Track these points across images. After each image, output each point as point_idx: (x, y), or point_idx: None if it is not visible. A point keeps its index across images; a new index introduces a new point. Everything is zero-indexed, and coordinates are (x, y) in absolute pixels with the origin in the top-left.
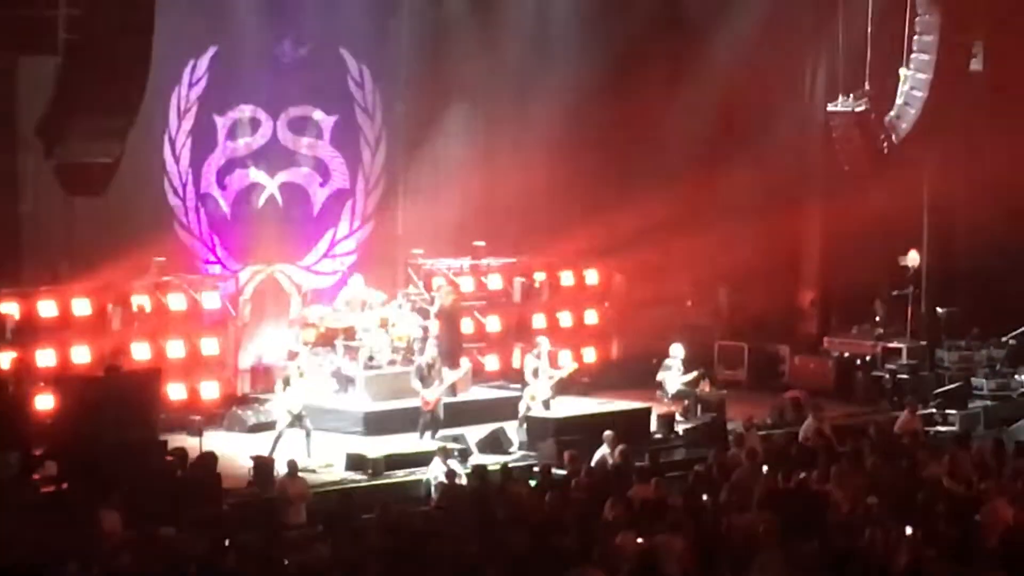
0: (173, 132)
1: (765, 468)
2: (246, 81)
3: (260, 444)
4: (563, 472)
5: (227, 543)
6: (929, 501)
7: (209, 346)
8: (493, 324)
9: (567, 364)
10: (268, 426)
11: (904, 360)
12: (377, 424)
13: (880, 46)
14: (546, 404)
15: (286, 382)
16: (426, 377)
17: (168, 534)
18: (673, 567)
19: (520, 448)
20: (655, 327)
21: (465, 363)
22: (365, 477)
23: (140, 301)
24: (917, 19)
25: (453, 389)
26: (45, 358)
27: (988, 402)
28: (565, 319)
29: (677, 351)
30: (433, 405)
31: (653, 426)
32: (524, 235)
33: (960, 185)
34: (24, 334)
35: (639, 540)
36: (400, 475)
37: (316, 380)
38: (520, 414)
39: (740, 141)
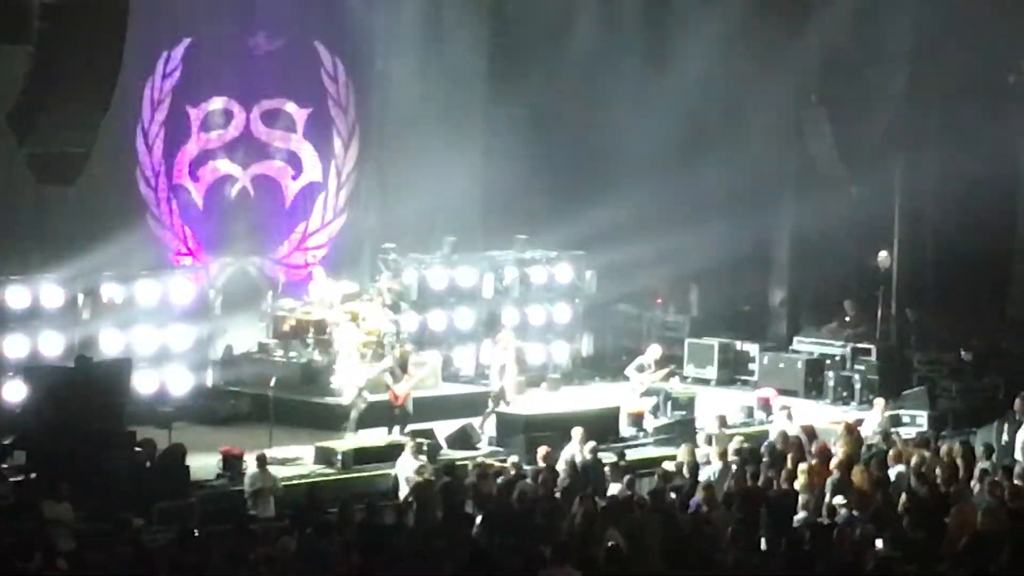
0: (146, 123)
1: (734, 467)
2: (220, 73)
3: (229, 436)
4: (532, 468)
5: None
6: (897, 503)
7: (179, 338)
8: (463, 319)
9: (538, 360)
10: (236, 418)
11: (873, 360)
12: (347, 418)
13: (854, 46)
14: (516, 400)
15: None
16: (396, 371)
17: (136, 525)
18: (641, 565)
19: (489, 444)
20: (625, 324)
21: (434, 356)
22: (334, 471)
23: (111, 291)
24: (891, 20)
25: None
26: (15, 347)
27: (956, 404)
28: (536, 315)
29: (654, 352)
30: (403, 400)
31: (622, 423)
32: (496, 230)
33: (931, 187)
34: None
35: (608, 537)
36: (369, 469)
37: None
38: (489, 409)
39: (712, 140)
